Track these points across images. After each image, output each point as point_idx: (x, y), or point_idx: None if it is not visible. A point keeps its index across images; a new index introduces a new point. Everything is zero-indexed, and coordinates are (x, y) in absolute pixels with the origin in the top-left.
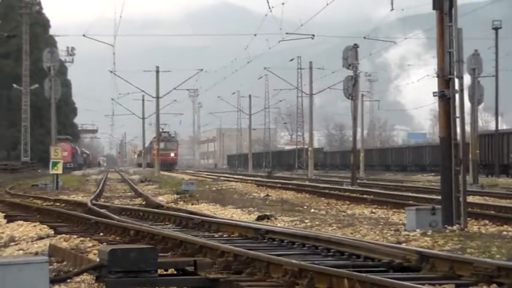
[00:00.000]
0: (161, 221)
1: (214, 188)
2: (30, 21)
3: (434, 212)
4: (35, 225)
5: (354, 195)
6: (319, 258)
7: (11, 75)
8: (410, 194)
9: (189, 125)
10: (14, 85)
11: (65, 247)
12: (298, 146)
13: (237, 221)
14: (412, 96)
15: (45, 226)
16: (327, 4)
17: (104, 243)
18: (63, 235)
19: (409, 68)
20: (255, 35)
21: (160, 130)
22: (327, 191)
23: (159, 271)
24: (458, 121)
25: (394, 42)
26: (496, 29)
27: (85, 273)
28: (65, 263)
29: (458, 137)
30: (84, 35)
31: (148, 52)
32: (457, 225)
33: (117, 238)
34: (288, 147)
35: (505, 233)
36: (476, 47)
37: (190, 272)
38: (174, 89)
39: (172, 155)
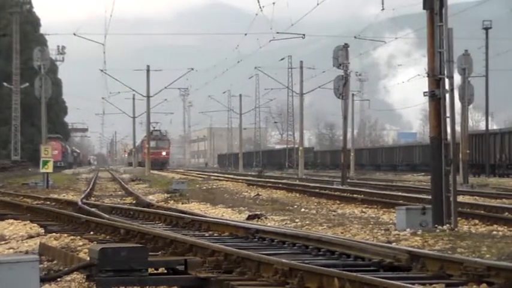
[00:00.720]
0: (151, 220)
1: (204, 187)
2: (20, 20)
3: (425, 212)
4: (25, 224)
5: (344, 194)
6: (309, 258)
7: (1, 73)
8: (400, 194)
9: (180, 124)
10: (5, 84)
11: (56, 246)
12: (288, 146)
13: (228, 220)
14: (402, 95)
15: (36, 225)
16: (318, 4)
17: (94, 242)
18: (54, 234)
19: (399, 67)
20: (246, 34)
21: (152, 128)
22: (317, 190)
23: (150, 270)
24: (448, 121)
25: (384, 42)
26: (487, 29)
27: (75, 272)
28: (55, 261)
29: (449, 136)
30: (74, 34)
31: (139, 51)
32: (447, 225)
33: (108, 237)
34: (278, 147)
35: (495, 232)
36: (466, 46)
37: (180, 271)
38: (165, 88)
39: (163, 153)
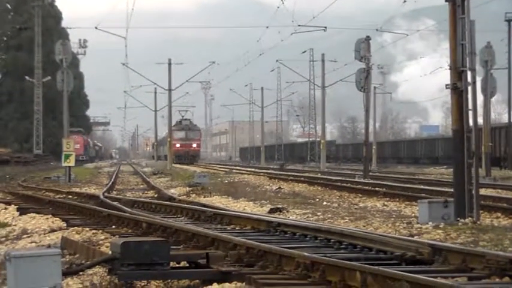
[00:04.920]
0: (173, 214)
1: (226, 181)
2: (42, 13)
3: (447, 205)
4: (47, 218)
5: (366, 187)
6: (331, 251)
7: (23, 67)
8: (422, 187)
9: (201, 117)
10: (27, 77)
11: (78, 240)
12: (310, 139)
13: (250, 213)
14: (420, 87)
15: (58, 219)
16: None
17: (116, 236)
18: (76, 228)
19: (417, 58)
20: (267, 27)
21: (181, 117)
22: (339, 183)
23: (172, 264)
24: (470, 114)
25: (406, 34)
26: (509, 21)
27: (97, 266)
28: (77, 255)
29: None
30: (96, 28)
31: (160, 44)
32: (470, 218)
33: (130, 231)
34: (300, 140)
35: None
36: (488, 39)
37: (202, 264)
38: (187, 81)
39: (194, 145)
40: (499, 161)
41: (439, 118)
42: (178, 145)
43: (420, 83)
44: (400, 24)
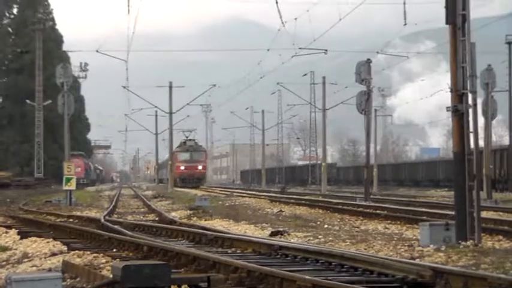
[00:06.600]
0: (174, 237)
1: (227, 204)
2: (43, 36)
3: (448, 228)
4: (48, 242)
5: (368, 210)
6: (332, 274)
7: (24, 90)
8: (424, 210)
9: (202, 140)
10: (27, 101)
11: (79, 263)
12: (311, 162)
13: (251, 236)
14: (417, 108)
15: (59, 242)
16: (340, 19)
17: (117, 260)
18: (77, 251)
19: (414, 80)
20: (268, 50)
21: (185, 137)
22: (340, 206)
23: (173, 287)
24: (472, 136)
25: (407, 57)
26: (510, 43)
27: None
28: (78, 279)
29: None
30: (97, 51)
31: (161, 67)
32: (471, 241)
33: (131, 254)
34: (301, 163)
35: None
36: (489, 61)
37: None
38: (187, 104)
39: (200, 167)
40: (494, 183)
41: (439, 139)
42: (182, 167)
43: (417, 104)
44: (398, 45)
